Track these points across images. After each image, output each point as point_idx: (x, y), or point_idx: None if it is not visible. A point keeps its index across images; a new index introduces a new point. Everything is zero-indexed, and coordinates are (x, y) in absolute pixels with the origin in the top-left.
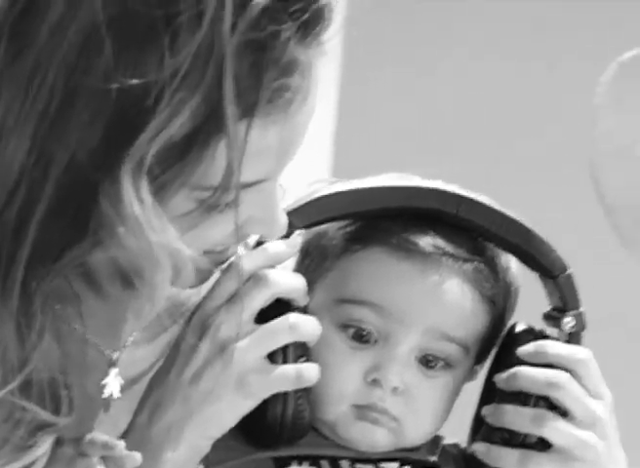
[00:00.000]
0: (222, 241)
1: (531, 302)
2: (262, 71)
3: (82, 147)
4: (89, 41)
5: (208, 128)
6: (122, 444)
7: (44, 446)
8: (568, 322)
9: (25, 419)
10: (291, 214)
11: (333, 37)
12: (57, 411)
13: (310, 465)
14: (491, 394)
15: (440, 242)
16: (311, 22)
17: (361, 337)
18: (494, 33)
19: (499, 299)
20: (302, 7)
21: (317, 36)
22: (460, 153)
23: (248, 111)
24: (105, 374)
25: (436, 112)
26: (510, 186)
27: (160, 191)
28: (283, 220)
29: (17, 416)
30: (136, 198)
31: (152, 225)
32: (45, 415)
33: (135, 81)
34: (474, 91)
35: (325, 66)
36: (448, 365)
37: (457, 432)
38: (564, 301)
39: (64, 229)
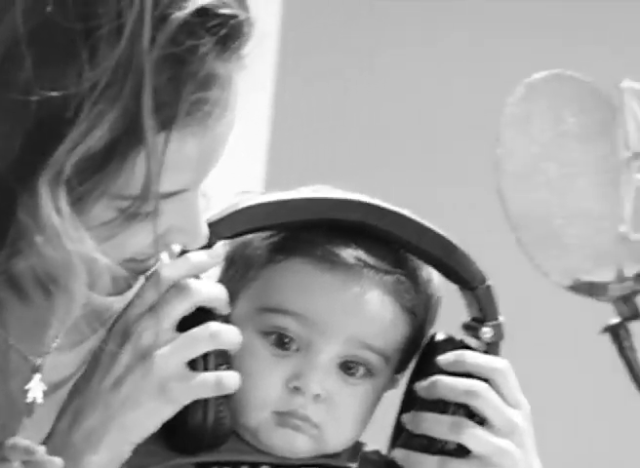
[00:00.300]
0: (144, 250)
1: (452, 312)
2: (181, 85)
3: (1, 158)
4: (9, 54)
5: (127, 140)
6: (43, 449)
7: None
8: (486, 332)
9: None
10: (215, 224)
11: (253, 51)
12: None
13: None
14: (411, 401)
15: (362, 254)
16: (230, 37)
17: (283, 344)
18: (412, 50)
19: (419, 311)
20: (221, 22)
21: (236, 50)
22: (388, 167)
23: (166, 124)
24: (29, 380)
25: (368, 125)
26: (434, 199)
27: (79, 201)
28: (204, 230)
29: None
30: (53, 208)
31: (69, 235)
32: None
33: (54, 93)
34: (401, 107)
35: (259, 77)
36: (368, 373)
37: (380, 439)
38: (483, 312)
39: None
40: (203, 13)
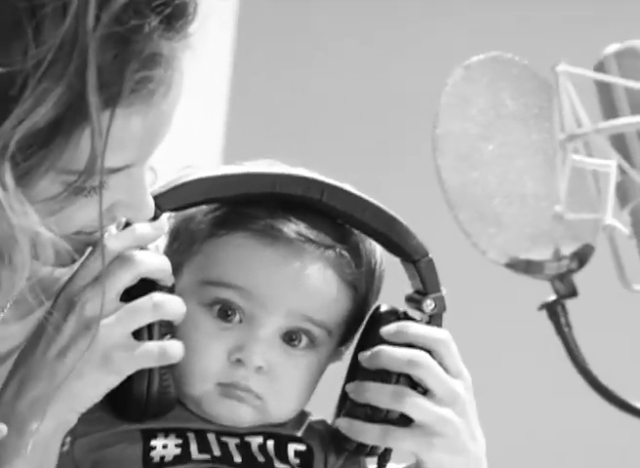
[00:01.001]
0: (91, 223)
1: (397, 285)
2: (125, 63)
3: None
4: None
5: (72, 116)
6: None
7: None
8: (429, 304)
9: None
10: (159, 197)
11: (198, 31)
12: None
13: (177, 437)
14: (356, 372)
15: (303, 229)
16: (175, 17)
17: (226, 316)
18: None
19: (361, 284)
20: (165, 1)
21: (181, 30)
22: (335, 143)
23: (111, 101)
24: None
25: (322, 102)
26: (376, 177)
27: (25, 176)
28: (150, 204)
29: None
30: None
31: (13, 209)
32: None
33: None
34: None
35: (216, 55)
36: (311, 345)
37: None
38: (424, 285)
39: None
40: None
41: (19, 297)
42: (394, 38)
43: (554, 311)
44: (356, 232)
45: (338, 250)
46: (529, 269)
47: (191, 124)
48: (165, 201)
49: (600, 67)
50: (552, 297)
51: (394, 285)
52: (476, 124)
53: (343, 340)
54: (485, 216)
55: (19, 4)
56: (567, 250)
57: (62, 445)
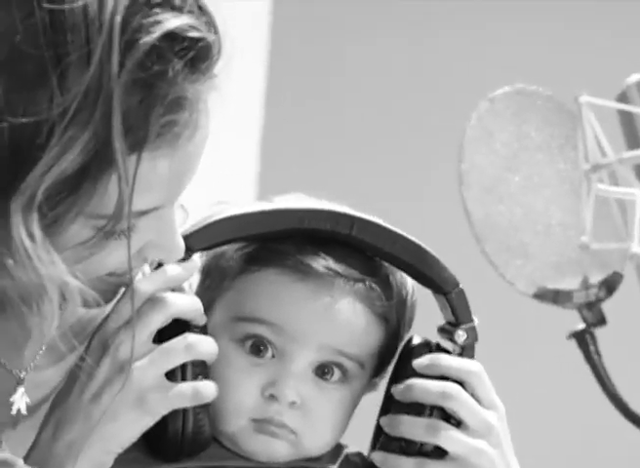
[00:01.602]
0: (122, 265)
1: (430, 316)
2: (150, 108)
3: None
4: None
5: (98, 162)
6: (21, 462)
7: None
8: (461, 335)
9: None
10: (190, 236)
11: (224, 70)
12: None
13: None
14: (389, 405)
15: (332, 263)
16: (198, 60)
17: (258, 352)
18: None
19: (392, 316)
20: (189, 45)
21: (206, 72)
22: (365, 178)
23: (137, 146)
24: (12, 393)
25: (353, 136)
26: (404, 211)
27: (53, 224)
28: (181, 245)
29: None
30: (25, 233)
31: (41, 259)
32: None
33: (25, 119)
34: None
35: (249, 90)
36: (344, 378)
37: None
38: (456, 316)
39: None
40: (171, 37)
41: (51, 343)
42: (419, 71)
43: (583, 340)
44: (386, 265)
45: (367, 283)
46: (557, 299)
47: (225, 159)
48: (196, 240)
49: (623, 97)
50: (581, 326)
51: (427, 316)
52: (501, 156)
53: (377, 372)
54: (511, 248)
55: (43, 53)
56: (595, 278)
57: None
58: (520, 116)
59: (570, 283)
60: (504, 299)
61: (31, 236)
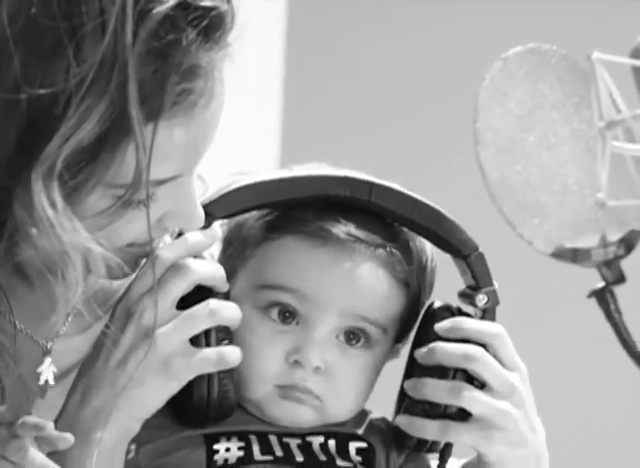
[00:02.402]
0: (142, 235)
1: (450, 281)
2: (165, 77)
3: None
4: None
5: (115, 132)
6: (51, 425)
7: None
8: (481, 299)
9: None
10: (210, 205)
11: (237, 40)
12: None
13: (239, 440)
14: (413, 369)
15: (353, 229)
16: (212, 28)
17: (284, 319)
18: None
19: (413, 281)
20: (202, 14)
21: (219, 41)
22: (380, 145)
23: (153, 115)
24: (39, 363)
25: (369, 101)
26: (417, 173)
27: (73, 193)
28: (200, 213)
29: None
30: (47, 201)
31: (63, 227)
32: None
33: (43, 91)
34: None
35: (269, 58)
36: (367, 344)
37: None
38: (476, 280)
39: None
40: (184, 6)
41: (77, 313)
42: (432, 33)
43: (603, 298)
44: (405, 230)
45: (388, 248)
46: (575, 257)
47: (247, 129)
48: (216, 209)
49: (636, 53)
50: (601, 284)
51: (447, 281)
52: (516, 116)
53: (399, 338)
54: (528, 207)
55: (58, 25)
56: (613, 236)
57: (127, 452)
58: (534, 75)
59: (588, 241)
60: (522, 261)
61: (53, 204)
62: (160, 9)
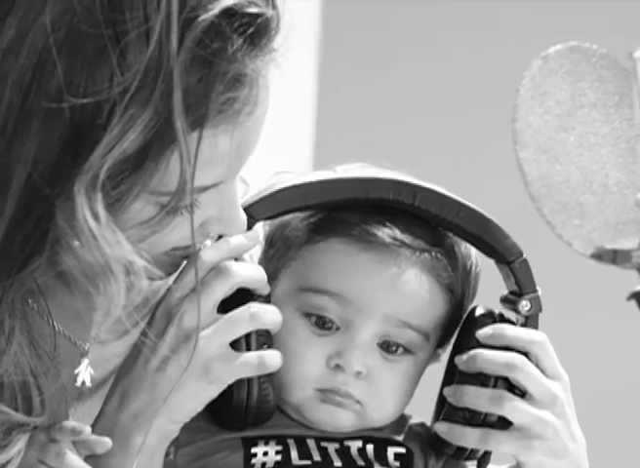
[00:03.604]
0: (184, 241)
1: (492, 286)
2: (210, 86)
3: (38, 165)
4: (41, 63)
5: (159, 141)
6: (89, 429)
7: (18, 445)
8: (524, 305)
9: None
10: (252, 206)
11: (282, 45)
12: (29, 412)
13: (277, 444)
14: (453, 375)
15: (398, 233)
16: (258, 35)
17: (323, 325)
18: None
19: (457, 287)
20: (248, 22)
21: (265, 47)
22: (417, 145)
23: (197, 124)
24: (77, 365)
25: (405, 102)
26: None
27: (116, 203)
28: (242, 218)
29: None
30: (90, 213)
31: (106, 239)
32: (18, 417)
33: (86, 100)
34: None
35: (303, 57)
36: (408, 350)
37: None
38: (519, 286)
39: (24, 243)
40: (229, 13)
41: (119, 318)
42: (471, 31)
43: None
44: (450, 235)
45: (433, 253)
46: (616, 259)
47: (280, 129)
48: (258, 210)
49: None
50: None
51: (489, 286)
52: (556, 115)
53: (441, 343)
54: (568, 208)
55: (102, 32)
56: None
57: (166, 455)
58: (574, 74)
59: (628, 242)
60: (562, 265)
61: (96, 216)
62: (206, 16)
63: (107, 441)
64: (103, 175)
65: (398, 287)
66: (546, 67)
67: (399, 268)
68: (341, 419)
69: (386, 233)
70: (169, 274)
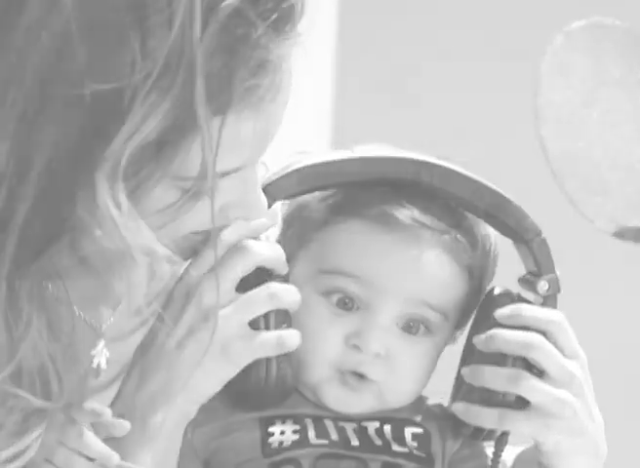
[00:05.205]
0: (205, 225)
1: (510, 266)
2: (233, 72)
3: (59, 151)
4: (62, 48)
5: (181, 127)
6: (109, 411)
7: (37, 430)
8: (543, 286)
9: (18, 406)
10: (270, 185)
11: (306, 30)
12: (48, 397)
13: (294, 423)
14: (471, 355)
15: (418, 214)
16: (282, 21)
17: (344, 304)
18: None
19: (476, 268)
20: (272, 7)
21: (289, 33)
22: (433, 125)
23: (220, 110)
24: (93, 346)
25: (426, 81)
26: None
27: (137, 189)
28: (263, 203)
29: (9, 404)
30: (111, 201)
31: (128, 228)
32: (36, 402)
33: (107, 86)
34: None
35: (322, 35)
36: (428, 331)
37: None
38: (538, 266)
39: (44, 229)
40: None
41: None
42: (492, 5)
43: None
44: (469, 215)
45: (453, 234)
46: (638, 237)
47: (299, 109)
48: (277, 190)
49: None
50: None
51: (507, 266)
52: (578, 91)
53: (459, 325)
54: (591, 185)
55: (124, 18)
56: None
57: (184, 434)
58: (597, 50)
59: None
60: (583, 244)
61: (118, 204)
62: (230, 2)
63: (126, 424)
64: (125, 161)
65: (419, 268)
66: (569, 43)
67: (419, 250)
68: (359, 400)
69: (406, 214)
70: (187, 258)
